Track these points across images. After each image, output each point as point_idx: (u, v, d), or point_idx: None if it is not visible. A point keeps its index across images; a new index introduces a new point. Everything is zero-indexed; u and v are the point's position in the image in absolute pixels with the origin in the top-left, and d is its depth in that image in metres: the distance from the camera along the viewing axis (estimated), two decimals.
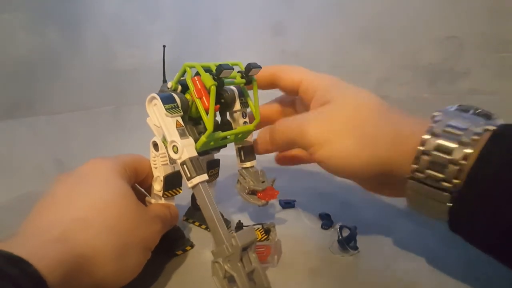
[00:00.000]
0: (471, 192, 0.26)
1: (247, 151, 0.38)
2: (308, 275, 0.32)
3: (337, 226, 0.36)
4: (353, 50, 0.74)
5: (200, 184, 0.30)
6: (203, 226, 0.41)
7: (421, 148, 0.27)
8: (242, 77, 0.35)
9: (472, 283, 0.31)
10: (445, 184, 0.27)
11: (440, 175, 0.27)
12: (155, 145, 0.34)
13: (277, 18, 0.76)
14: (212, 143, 0.34)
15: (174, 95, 0.33)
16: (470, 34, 0.66)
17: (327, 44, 0.74)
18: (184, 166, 0.30)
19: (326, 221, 0.41)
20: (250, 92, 0.38)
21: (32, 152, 0.59)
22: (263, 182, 0.37)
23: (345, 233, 0.36)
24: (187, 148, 0.31)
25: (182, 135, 0.31)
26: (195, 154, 0.31)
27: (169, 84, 0.34)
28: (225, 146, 0.37)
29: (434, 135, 0.27)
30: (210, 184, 0.39)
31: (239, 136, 0.37)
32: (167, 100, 0.32)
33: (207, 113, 0.32)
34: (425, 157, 0.27)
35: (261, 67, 0.35)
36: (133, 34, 0.70)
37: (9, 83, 0.60)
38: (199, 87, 0.31)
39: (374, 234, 0.39)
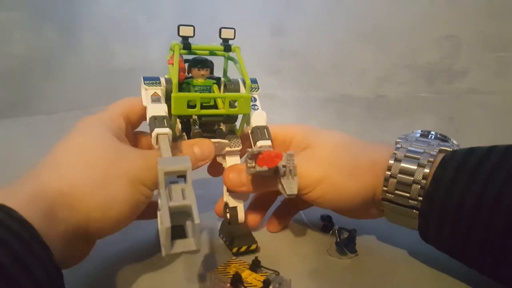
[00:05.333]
0: (429, 210, 0.31)
1: (259, 132, 0.36)
2: (304, 277, 0.32)
3: (336, 229, 0.36)
4: (352, 50, 0.74)
5: (159, 136, 0.31)
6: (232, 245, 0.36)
7: (388, 172, 0.32)
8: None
9: None
10: (412, 202, 0.31)
11: (407, 194, 0.32)
12: None
13: (276, 17, 0.76)
14: (196, 109, 0.32)
15: (161, 78, 0.35)
16: (468, 33, 0.66)
17: (326, 44, 0.74)
18: (148, 125, 0.32)
19: (327, 223, 0.41)
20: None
21: (29, 151, 0.59)
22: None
23: (345, 235, 0.35)
24: (154, 108, 0.32)
25: (155, 101, 0.33)
26: (162, 114, 0.32)
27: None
28: (222, 119, 0.35)
29: (398, 160, 0.32)
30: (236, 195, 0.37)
31: (233, 107, 0.34)
32: (149, 79, 0.34)
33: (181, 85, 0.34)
34: (393, 180, 0.32)
35: (233, 28, 0.34)
36: (131, 33, 0.70)
37: (6, 82, 0.60)
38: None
39: (375, 238, 0.38)
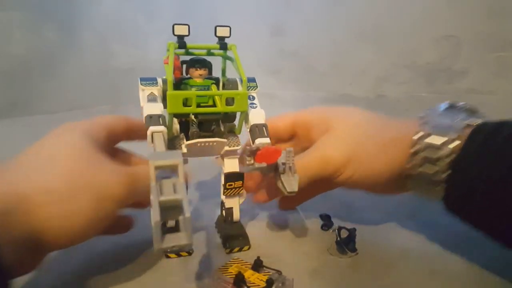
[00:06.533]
0: (457, 180, 0.29)
1: (257, 130, 0.35)
2: (306, 276, 0.32)
3: (336, 228, 0.36)
4: (352, 50, 0.74)
5: (153, 134, 0.31)
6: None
7: (414, 148, 0.31)
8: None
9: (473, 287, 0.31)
10: (438, 177, 0.30)
11: (433, 170, 0.30)
12: None
13: (276, 17, 0.76)
14: (191, 107, 0.32)
15: (158, 78, 0.34)
16: (468, 33, 0.66)
17: (326, 43, 0.74)
18: (144, 124, 0.32)
19: (326, 222, 0.41)
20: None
21: None
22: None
23: (344, 234, 0.36)
24: (149, 107, 0.32)
25: (150, 100, 0.33)
26: (157, 113, 0.32)
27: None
28: (220, 117, 0.35)
29: (424, 135, 0.31)
30: (232, 198, 0.37)
31: (230, 105, 0.33)
32: (146, 79, 0.34)
33: (176, 81, 0.34)
34: (418, 156, 0.31)
35: (228, 26, 0.34)
36: (130, 33, 0.70)
37: (6, 82, 0.60)
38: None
39: (374, 236, 0.38)
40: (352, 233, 0.35)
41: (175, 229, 0.25)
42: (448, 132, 0.30)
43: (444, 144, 0.30)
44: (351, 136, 0.34)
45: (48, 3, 0.61)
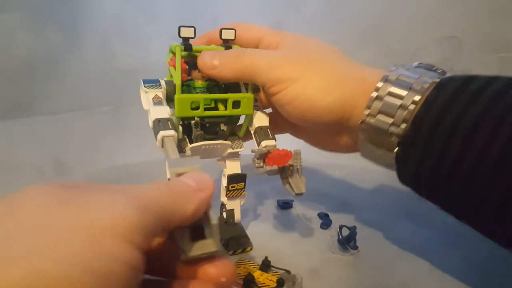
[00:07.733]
0: (414, 136, 0.27)
1: (262, 132, 0.35)
2: (308, 275, 0.32)
3: (337, 226, 0.37)
4: (352, 50, 0.73)
5: (164, 138, 0.30)
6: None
7: (375, 94, 0.29)
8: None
9: (471, 284, 0.31)
10: (394, 129, 0.28)
11: (390, 120, 0.28)
12: None
13: (276, 18, 0.76)
14: (199, 110, 0.32)
15: (161, 80, 0.34)
16: (470, 34, 0.66)
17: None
18: (152, 128, 0.31)
19: (325, 220, 0.41)
20: None
21: (31, 152, 0.59)
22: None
23: (345, 233, 0.36)
24: (157, 111, 0.32)
25: (156, 103, 0.32)
26: (165, 116, 0.32)
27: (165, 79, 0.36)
28: (223, 119, 0.35)
29: (388, 81, 0.29)
30: (233, 200, 0.37)
31: (235, 108, 0.34)
32: (149, 81, 0.34)
33: (183, 85, 0.33)
34: (378, 102, 0.29)
35: (233, 29, 0.34)
36: (132, 34, 0.70)
37: (8, 83, 0.60)
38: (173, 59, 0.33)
39: (373, 234, 0.39)
40: (352, 231, 0.36)
41: (201, 236, 0.24)
42: (413, 83, 0.28)
43: (407, 94, 0.28)
44: (311, 59, 0.32)
45: (50, 4, 0.62)
